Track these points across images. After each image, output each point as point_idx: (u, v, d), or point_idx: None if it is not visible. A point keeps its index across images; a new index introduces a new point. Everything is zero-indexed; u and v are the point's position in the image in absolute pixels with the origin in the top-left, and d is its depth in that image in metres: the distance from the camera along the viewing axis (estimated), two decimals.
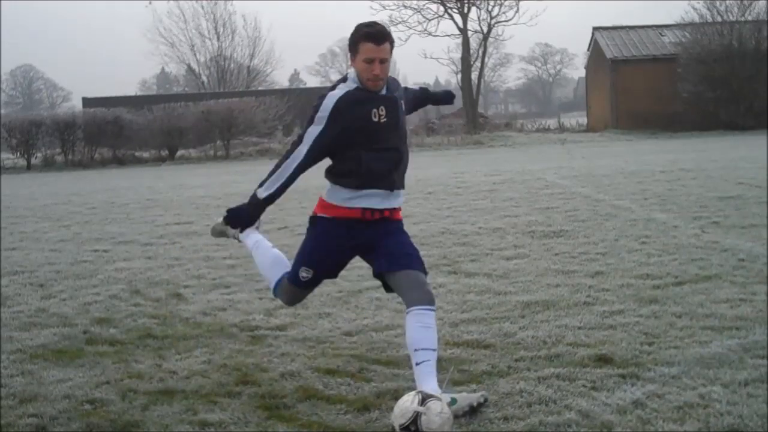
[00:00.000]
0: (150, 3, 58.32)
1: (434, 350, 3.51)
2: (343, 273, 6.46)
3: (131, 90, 68.94)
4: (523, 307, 5.15)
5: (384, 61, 3.66)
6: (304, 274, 3.93)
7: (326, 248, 3.88)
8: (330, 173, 3.80)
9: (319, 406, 3.65)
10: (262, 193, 3.83)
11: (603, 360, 4.06)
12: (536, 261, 6.61)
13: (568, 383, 3.75)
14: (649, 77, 32.46)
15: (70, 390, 3.94)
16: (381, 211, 3.76)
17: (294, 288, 4.03)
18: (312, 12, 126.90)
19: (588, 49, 39.20)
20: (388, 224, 3.81)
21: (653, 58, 33.50)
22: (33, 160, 27.48)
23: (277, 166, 3.86)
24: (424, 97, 4.46)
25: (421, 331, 3.52)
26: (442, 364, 4.15)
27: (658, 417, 3.34)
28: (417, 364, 3.49)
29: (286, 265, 4.15)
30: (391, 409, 3.53)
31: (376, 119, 3.69)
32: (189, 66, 51.03)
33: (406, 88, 4.15)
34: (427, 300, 3.58)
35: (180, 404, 3.72)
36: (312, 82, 76.51)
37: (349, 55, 3.82)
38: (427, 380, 3.44)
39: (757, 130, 26.64)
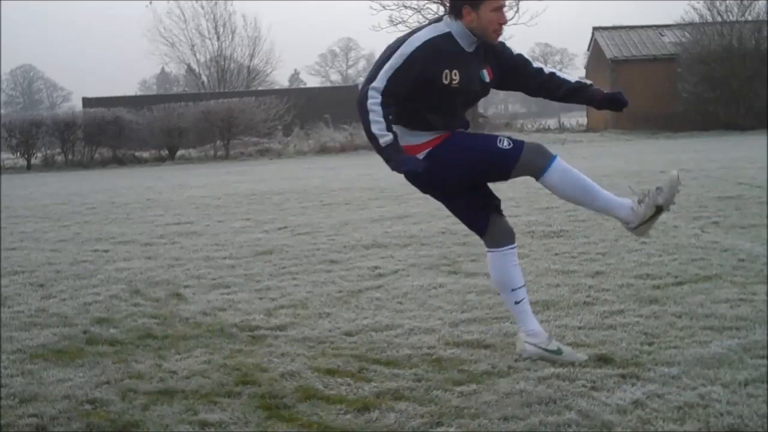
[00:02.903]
0: (150, 3, 58.25)
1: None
2: (342, 273, 6.53)
3: (131, 90, 68.99)
4: None
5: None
6: (505, 143, 3.68)
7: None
8: (401, 117, 3.65)
9: (319, 406, 3.64)
10: (383, 141, 3.59)
11: (603, 360, 4.06)
12: (536, 261, 6.61)
13: (568, 383, 3.75)
14: (649, 77, 32.44)
15: (70, 390, 3.94)
16: None
17: (527, 147, 3.74)
18: (312, 12, 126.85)
19: (588, 49, 39.20)
20: None
21: (653, 58, 33.49)
22: (33, 160, 27.47)
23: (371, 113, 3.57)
24: (571, 89, 3.91)
25: (515, 269, 3.72)
26: (442, 364, 4.16)
27: (658, 417, 3.34)
28: (516, 302, 3.70)
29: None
30: (392, 408, 3.54)
31: (446, 81, 3.56)
32: (189, 66, 51.04)
33: (522, 58, 3.85)
34: (514, 238, 3.83)
35: (180, 404, 3.72)
36: (312, 82, 76.74)
37: (461, 7, 3.56)
38: (531, 320, 3.86)
39: (757, 130, 26.62)
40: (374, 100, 3.49)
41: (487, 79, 3.75)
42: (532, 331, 3.93)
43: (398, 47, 3.56)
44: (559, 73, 3.96)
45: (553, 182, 3.74)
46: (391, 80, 3.50)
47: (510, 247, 3.94)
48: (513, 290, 3.81)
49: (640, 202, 3.70)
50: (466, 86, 3.65)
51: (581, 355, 3.86)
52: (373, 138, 3.56)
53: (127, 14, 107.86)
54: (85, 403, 3.76)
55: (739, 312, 4.78)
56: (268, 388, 3.89)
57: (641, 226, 3.71)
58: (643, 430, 3.25)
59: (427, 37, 3.55)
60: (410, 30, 3.68)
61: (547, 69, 3.93)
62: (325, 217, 10.01)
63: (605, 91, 4.00)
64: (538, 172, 3.71)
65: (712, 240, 7.14)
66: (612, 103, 3.96)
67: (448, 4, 3.71)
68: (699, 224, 8.03)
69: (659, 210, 3.65)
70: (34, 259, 7.84)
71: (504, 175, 3.76)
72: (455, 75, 3.56)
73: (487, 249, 4.04)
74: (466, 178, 3.78)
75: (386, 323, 4.96)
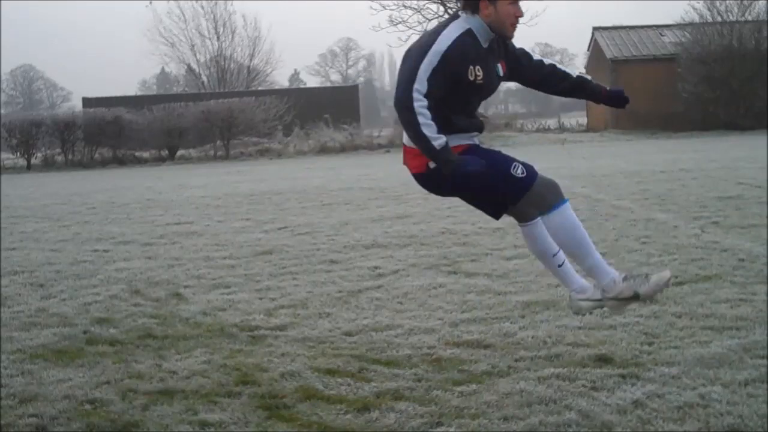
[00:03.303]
0: (150, 3, 58.23)
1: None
2: (343, 273, 6.53)
3: (131, 90, 68.87)
4: (523, 307, 5.15)
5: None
6: (519, 170, 3.62)
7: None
8: None
9: (319, 406, 3.65)
10: (437, 144, 3.47)
11: (603, 360, 4.06)
12: (536, 261, 6.56)
13: (568, 383, 3.75)
14: (649, 77, 32.41)
15: (70, 390, 3.94)
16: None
17: (539, 181, 3.67)
18: (312, 12, 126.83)
19: (588, 49, 39.17)
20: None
21: (653, 58, 33.46)
22: (33, 160, 27.47)
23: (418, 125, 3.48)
24: (575, 84, 3.91)
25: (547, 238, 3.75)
26: (442, 364, 4.16)
27: (658, 417, 3.34)
28: (559, 266, 3.79)
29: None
30: (392, 408, 3.54)
31: (471, 78, 3.52)
32: (189, 66, 51.00)
33: (523, 51, 3.84)
34: (542, 206, 3.70)
35: (180, 404, 3.72)
36: (312, 82, 76.59)
37: (478, 1, 3.53)
38: (576, 278, 3.83)
39: (757, 130, 26.60)
40: (421, 103, 3.40)
41: (501, 74, 3.73)
42: (580, 288, 3.87)
43: (429, 46, 3.47)
44: (559, 66, 3.96)
45: (555, 224, 3.64)
46: (431, 81, 3.43)
47: (536, 219, 3.84)
48: (553, 256, 3.78)
49: (624, 279, 3.62)
50: (488, 82, 3.62)
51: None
52: (423, 140, 3.43)
53: (127, 14, 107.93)
54: (85, 403, 3.76)
55: (739, 312, 4.78)
56: (268, 388, 3.89)
57: (612, 300, 3.64)
58: (643, 430, 3.25)
59: (456, 34, 3.49)
60: (433, 30, 3.58)
61: (547, 61, 3.92)
62: (325, 217, 10.01)
63: (608, 88, 4.03)
64: (545, 208, 3.65)
65: (712, 240, 7.13)
66: (614, 99, 3.97)
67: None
68: (699, 224, 8.02)
69: (636, 297, 3.58)
70: (34, 259, 7.84)
71: (513, 201, 3.69)
72: (479, 71, 3.53)
73: (519, 224, 3.92)
74: (476, 195, 3.75)
75: (386, 323, 4.96)
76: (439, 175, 3.60)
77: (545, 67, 3.89)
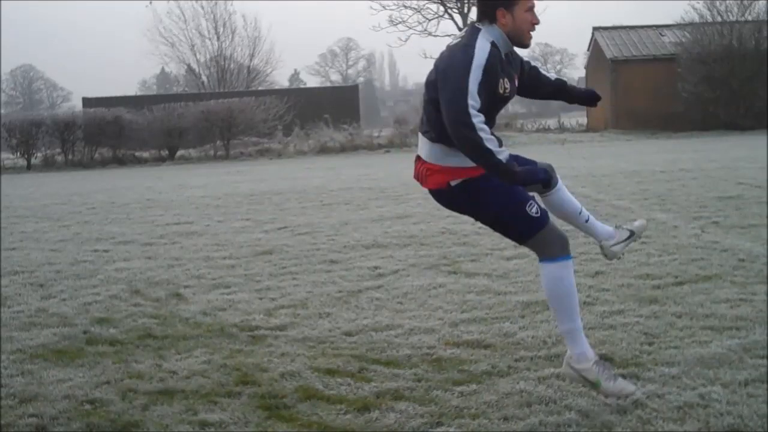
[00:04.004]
0: (150, 3, 58.21)
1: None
2: (343, 273, 6.53)
3: (131, 90, 68.91)
4: (523, 307, 5.15)
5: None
6: (534, 210, 3.55)
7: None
8: (449, 135, 3.45)
9: (319, 406, 3.65)
10: (503, 157, 3.37)
11: (603, 360, 4.06)
12: (536, 261, 6.57)
13: (568, 383, 3.75)
14: (649, 77, 32.42)
15: (70, 390, 3.94)
16: None
17: (548, 228, 3.59)
18: (312, 12, 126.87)
19: (588, 49, 39.17)
20: None
21: (653, 58, 33.45)
22: (33, 160, 27.46)
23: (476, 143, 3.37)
24: (557, 88, 3.96)
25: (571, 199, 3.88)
26: (442, 364, 4.17)
27: (658, 417, 3.34)
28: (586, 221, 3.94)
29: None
30: (392, 408, 3.54)
31: (501, 91, 3.47)
32: (189, 66, 50.99)
33: (522, 61, 3.82)
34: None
35: (180, 404, 3.72)
36: (312, 82, 76.56)
37: (495, 10, 3.46)
38: (604, 227, 3.98)
39: (757, 130, 26.60)
40: (479, 118, 3.33)
41: (516, 84, 3.69)
42: (608, 235, 4.02)
43: (469, 61, 3.37)
44: (541, 70, 3.98)
45: (550, 274, 3.57)
46: (480, 96, 3.36)
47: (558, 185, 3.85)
48: (579, 213, 3.94)
49: (596, 363, 3.55)
50: (511, 95, 3.59)
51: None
52: (488, 155, 3.33)
53: (127, 14, 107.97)
54: (85, 403, 3.76)
55: (739, 312, 4.78)
56: (268, 388, 3.89)
57: (572, 371, 3.55)
58: (643, 430, 3.25)
59: (489, 47, 3.43)
60: (463, 44, 3.45)
61: (530, 64, 3.92)
62: (325, 217, 10.01)
63: (582, 89, 4.15)
64: (547, 256, 3.57)
65: (712, 240, 7.13)
66: (587, 99, 4.02)
67: (477, 11, 3.58)
68: (699, 224, 8.02)
69: (595, 386, 3.50)
70: (34, 259, 7.84)
71: (520, 240, 3.64)
72: (507, 84, 3.50)
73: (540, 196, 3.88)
74: (486, 221, 3.68)
75: (386, 323, 4.96)
76: (459, 193, 3.56)
77: (537, 75, 3.91)
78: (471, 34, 3.47)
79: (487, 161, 3.36)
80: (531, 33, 3.51)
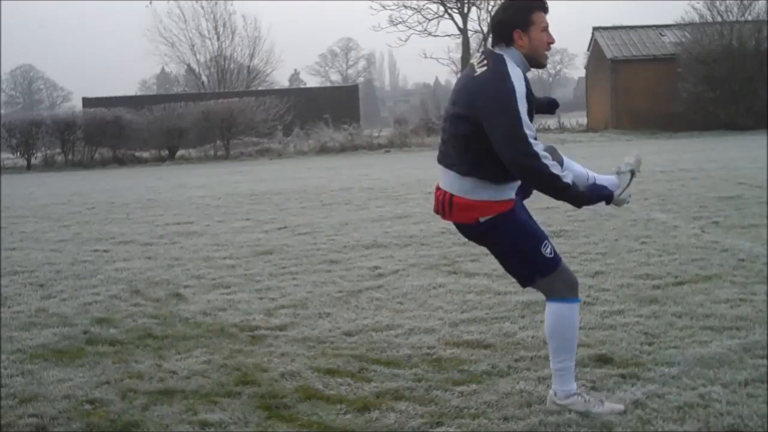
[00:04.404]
0: (150, 3, 58.21)
1: None
2: (342, 273, 6.53)
3: (131, 90, 68.90)
4: (523, 307, 5.15)
5: None
6: (548, 250, 3.49)
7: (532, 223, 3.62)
8: (481, 168, 3.40)
9: (319, 406, 3.65)
10: (569, 180, 3.35)
11: (603, 360, 4.06)
12: None
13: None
14: (649, 77, 32.42)
15: (70, 390, 3.94)
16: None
17: (560, 269, 3.53)
18: (312, 12, 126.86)
19: (588, 49, 39.17)
20: None
21: (653, 58, 33.46)
22: (33, 160, 27.47)
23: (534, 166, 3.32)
24: None
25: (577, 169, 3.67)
26: (442, 364, 4.17)
27: (658, 417, 3.34)
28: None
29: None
30: (392, 408, 3.54)
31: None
32: (189, 66, 51.00)
33: None
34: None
35: (180, 404, 3.72)
36: (312, 82, 76.57)
37: (511, 32, 3.41)
38: (609, 180, 3.69)
39: (757, 130, 26.60)
40: (540, 146, 3.30)
41: None
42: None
43: (512, 90, 3.30)
44: None
45: (556, 312, 3.50)
46: (532, 123, 3.33)
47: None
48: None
49: (579, 395, 3.54)
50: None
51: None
52: (556, 181, 3.29)
53: (127, 14, 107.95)
54: (85, 403, 3.76)
55: (739, 312, 4.78)
56: (268, 388, 3.89)
57: (555, 406, 3.53)
58: (643, 430, 3.25)
59: (520, 72, 3.38)
60: (497, 70, 3.36)
61: None
62: (325, 217, 10.01)
63: (543, 97, 4.04)
64: (554, 295, 3.51)
65: (712, 240, 7.13)
66: (547, 107, 3.98)
67: (492, 35, 3.50)
68: (699, 224, 8.03)
69: (585, 414, 3.47)
70: (34, 259, 7.84)
71: (530, 279, 3.56)
72: (533, 109, 3.46)
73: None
74: (501, 256, 3.61)
75: (386, 323, 4.96)
76: (487, 229, 3.50)
77: None
78: (496, 61, 3.39)
79: (555, 187, 3.32)
80: (547, 53, 3.47)
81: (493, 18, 3.53)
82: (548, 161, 3.29)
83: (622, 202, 3.68)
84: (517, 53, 3.41)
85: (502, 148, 3.30)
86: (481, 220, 3.47)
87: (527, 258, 3.48)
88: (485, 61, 3.41)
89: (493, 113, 3.31)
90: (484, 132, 3.33)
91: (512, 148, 3.28)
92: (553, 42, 3.48)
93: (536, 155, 3.26)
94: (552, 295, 3.52)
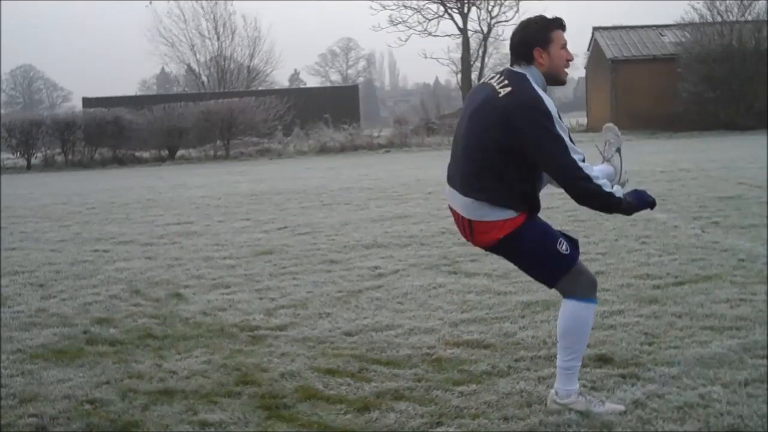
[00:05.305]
0: (150, 3, 58.21)
1: None
2: (342, 273, 6.53)
3: (131, 90, 68.86)
4: (523, 307, 5.15)
5: None
6: (564, 246, 3.50)
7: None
8: (506, 194, 3.41)
9: (319, 406, 3.65)
10: (618, 194, 3.41)
11: (603, 360, 4.06)
12: None
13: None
14: (649, 77, 32.42)
15: (70, 390, 3.94)
16: None
17: (579, 267, 3.55)
18: (312, 12, 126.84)
19: (588, 49, 39.16)
20: None
21: (653, 58, 33.46)
22: (33, 160, 27.46)
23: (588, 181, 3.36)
24: None
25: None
26: (442, 364, 4.16)
27: (658, 417, 3.34)
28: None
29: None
30: (392, 408, 3.54)
31: None
32: (189, 66, 50.99)
33: None
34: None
35: (180, 404, 3.72)
36: (312, 82, 76.50)
37: (531, 51, 3.42)
38: (604, 170, 3.73)
39: (757, 130, 26.60)
40: (589, 168, 3.35)
41: None
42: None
43: (549, 112, 3.33)
44: None
45: (572, 311, 3.52)
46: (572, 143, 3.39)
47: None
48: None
49: (581, 394, 3.53)
50: None
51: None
52: (610, 198, 3.34)
53: (127, 14, 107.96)
54: (85, 403, 3.76)
55: (739, 312, 4.78)
56: (268, 388, 3.89)
57: (557, 405, 3.52)
58: (643, 430, 3.25)
59: (545, 93, 3.39)
60: (528, 89, 3.36)
61: None
62: (325, 217, 10.01)
63: None
64: (572, 294, 3.53)
65: (712, 240, 7.14)
66: None
67: (512, 53, 3.49)
68: (699, 224, 8.03)
69: (585, 415, 3.48)
70: (34, 259, 7.84)
71: (553, 279, 3.57)
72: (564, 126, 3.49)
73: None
74: (523, 264, 3.62)
75: (386, 323, 4.96)
76: (507, 243, 3.49)
77: None
78: (520, 81, 3.37)
79: (610, 204, 3.39)
80: (567, 70, 3.49)
81: (512, 37, 3.50)
82: (600, 181, 3.33)
83: (625, 183, 3.74)
84: (537, 72, 3.42)
85: (556, 177, 3.40)
86: (501, 238, 3.47)
87: (547, 259, 3.50)
88: (506, 82, 3.40)
89: (539, 145, 3.33)
90: (518, 159, 3.36)
91: (565, 176, 3.34)
92: (571, 59, 3.52)
93: (588, 178, 3.32)
94: (570, 294, 3.53)
